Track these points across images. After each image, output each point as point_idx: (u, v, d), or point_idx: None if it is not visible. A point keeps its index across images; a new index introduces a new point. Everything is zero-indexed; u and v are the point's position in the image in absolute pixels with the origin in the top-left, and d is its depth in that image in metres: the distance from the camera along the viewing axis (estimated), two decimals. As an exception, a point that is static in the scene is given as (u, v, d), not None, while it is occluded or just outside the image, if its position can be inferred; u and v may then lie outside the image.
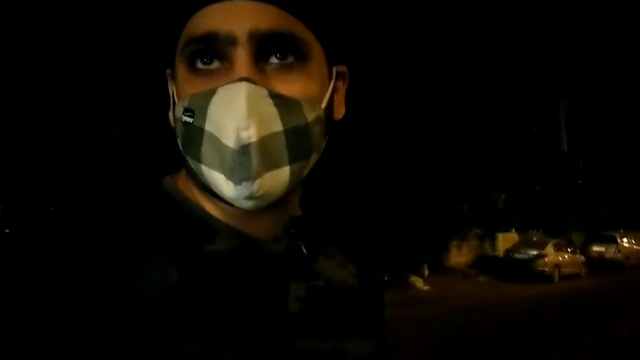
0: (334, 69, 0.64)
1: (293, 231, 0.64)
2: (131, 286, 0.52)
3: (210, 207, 0.61)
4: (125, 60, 7.55)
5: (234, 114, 0.52)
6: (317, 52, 0.59)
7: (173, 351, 0.51)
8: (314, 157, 0.60)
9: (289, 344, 0.57)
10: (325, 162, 0.64)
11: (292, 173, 0.56)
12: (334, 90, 0.64)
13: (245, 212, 0.59)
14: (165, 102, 0.63)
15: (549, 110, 21.79)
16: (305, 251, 0.64)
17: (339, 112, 0.67)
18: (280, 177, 0.56)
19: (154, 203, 0.60)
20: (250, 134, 0.52)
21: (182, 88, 0.58)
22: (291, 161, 0.56)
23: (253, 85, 0.53)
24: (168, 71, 0.63)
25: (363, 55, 9.26)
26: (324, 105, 0.60)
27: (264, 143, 0.53)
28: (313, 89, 0.58)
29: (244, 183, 0.53)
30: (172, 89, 0.62)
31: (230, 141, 0.52)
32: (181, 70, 0.58)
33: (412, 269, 12.83)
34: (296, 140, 0.56)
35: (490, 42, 15.40)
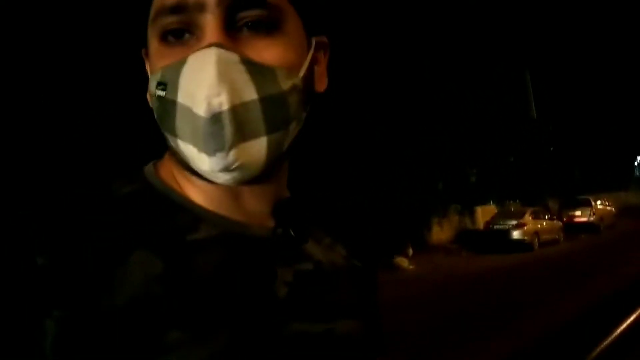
0: (313, 40, 0.62)
1: (280, 214, 0.62)
2: (115, 279, 0.50)
3: (193, 193, 0.58)
4: (100, 43, 7.33)
5: (204, 81, 0.50)
6: (292, 20, 0.57)
7: (160, 341, 0.49)
8: (294, 128, 0.58)
9: (277, 330, 0.56)
10: (310, 140, 0.62)
11: (270, 144, 0.54)
12: (314, 61, 0.62)
13: (229, 195, 0.58)
14: (144, 84, 0.61)
15: (516, 80, 22.11)
16: (293, 234, 0.62)
17: (321, 85, 0.65)
18: (258, 148, 0.53)
19: (136, 192, 0.58)
20: (222, 101, 0.50)
21: (154, 62, 0.56)
22: (269, 131, 0.53)
23: (223, 51, 0.51)
24: (143, 50, 0.61)
25: (344, 27, 9.02)
26: (301, 74, 0.57)
27: (238, 111, 0.51)
28: (289, 56, 0.56)
29: (217, 154, 0.51)
30: (148, 67, 0.60)
31: (201, 110, 0.50)
32: (153, 44, 0.56)
33: (397, 249, 12.95)
34: (273, 109, 0.54)
35: (455, 17, 15.50)
